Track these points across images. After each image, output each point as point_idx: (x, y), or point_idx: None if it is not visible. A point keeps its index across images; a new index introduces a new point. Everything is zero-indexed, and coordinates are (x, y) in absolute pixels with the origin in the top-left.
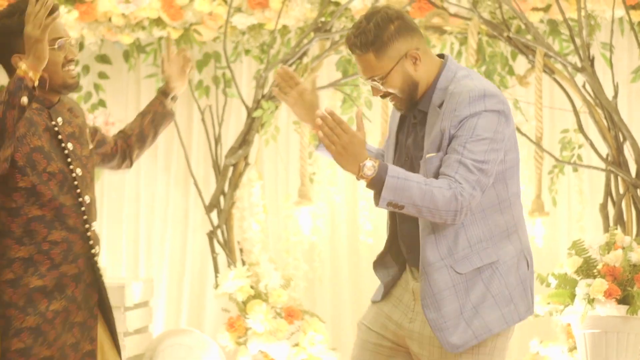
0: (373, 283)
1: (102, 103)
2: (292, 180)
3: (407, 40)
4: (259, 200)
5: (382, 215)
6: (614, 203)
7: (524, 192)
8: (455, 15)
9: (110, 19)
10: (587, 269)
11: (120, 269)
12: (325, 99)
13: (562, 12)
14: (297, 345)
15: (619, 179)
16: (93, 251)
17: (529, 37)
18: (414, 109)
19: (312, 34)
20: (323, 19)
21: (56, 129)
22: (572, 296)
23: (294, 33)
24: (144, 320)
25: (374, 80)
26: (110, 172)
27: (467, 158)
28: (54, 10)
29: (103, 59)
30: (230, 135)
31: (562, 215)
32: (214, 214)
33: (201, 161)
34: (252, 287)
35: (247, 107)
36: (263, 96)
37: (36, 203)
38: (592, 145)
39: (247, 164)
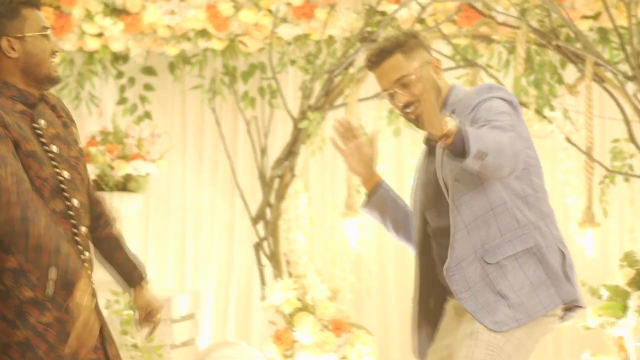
0: None
1: (147, 115)
2: (339, 192)
3: (427, 52)
4: (305, 211)
5: None
6: None
7: (575, 203)
8: (503, 24)
9: (155, 31)
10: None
11: (167, 281)
12: (370, 110)
13: (612, 20)
14: (344, 358)
15: None
16: (82, 257)
17: (578, 45)
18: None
19: (358, 44)
20: (369, 29)
21: (39, 131)
22: (624, 308)
23: (339, 43)
24: (190, 333)
25: (401, 82)
26: (155, 183)
27: (497, 123)
28: (37, 2)
29: (148, 70)
30: (276, 147)
31: (613, 226)
32: (260, 226)
33: (247, 173)
34: (298, 299)
35: (293, 118)
36: (309, 107)
37: None
38: None
39: (293, 175)
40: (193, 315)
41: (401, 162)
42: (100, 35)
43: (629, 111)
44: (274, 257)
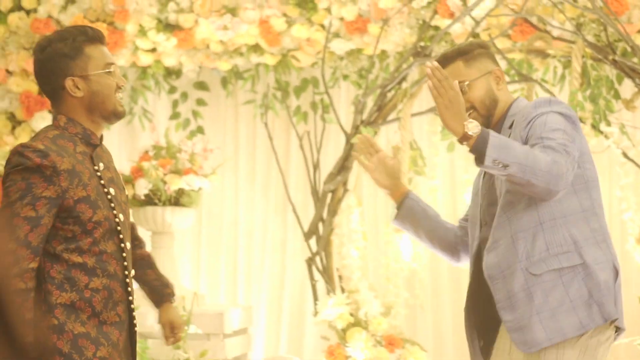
0: None
1: (200, 130)
2: (392, 206)
3: (493, 62)
4: (358, 226)
5: None
6: None
7: (632, 219)
8: (559, 38)
9: (208, 46)
10: None
11: (219, 296)
12: (424, 125)
13: None
14: None
15: None
16: (130, 298)
17: (635, 60)
18: None
19: (411, 59)
20: (422, 44)
21: (99, 174)
22: None
23: (392, 58)
24: (243, 348)
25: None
26: (207, 198)
27: (549, 142)
28: (101, 37)
29: (201, 85)
30: (328, 161)
31: None
32: (312, 241)
33: (299, 187)
34: (351, 314)
35: (345, 132)
36: (362, 122)
37: (76, 250)
38: None
39: (346, 190)
40: (245, 330)
41: (454, 177)
42: (153, 50)
43: None
44: (326, 272)
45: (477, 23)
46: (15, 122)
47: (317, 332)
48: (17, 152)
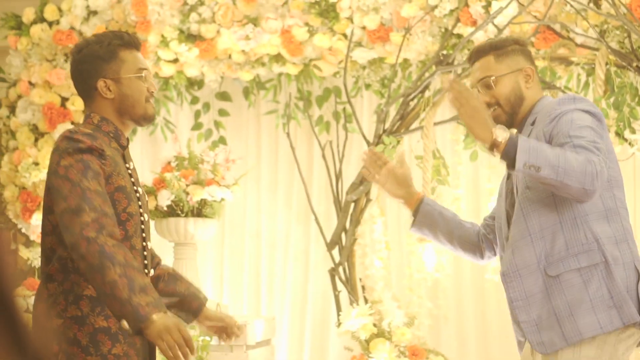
0: (499, 321)
1: (222, 140)
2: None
3: (526, 60)
4: (381, 236)
5: None
6: None
7: None
8: (582, 46)
9: (230, 56)
10: None
11: (242, 307)
12: (447, 134)
13: None
14: None
15: None
16: None
17: None
18: None
19: (433, 67)
20: (445, 52)
21: (129, 171)
22: None
23: (415, 66)
24: (266, 359)
25: (483, 82)
26: (230, 208)
27: (579, 140)
28: (136, 43)
29: (223, 96)
30: (351, 171)
31: None
32: (335, 251)
33: (322, 197)
34: (375, 325)
35: (368, 142)
36: (384, 131)
37: None
38: None
39: (368, 200)
40: (269, 341)
41: (478, 185)
42: (175, 61)
43: None
44: (349, 283)
45: (500, 31)
46: (38, 134)
47: (340, 343)
48: (66, 137)
